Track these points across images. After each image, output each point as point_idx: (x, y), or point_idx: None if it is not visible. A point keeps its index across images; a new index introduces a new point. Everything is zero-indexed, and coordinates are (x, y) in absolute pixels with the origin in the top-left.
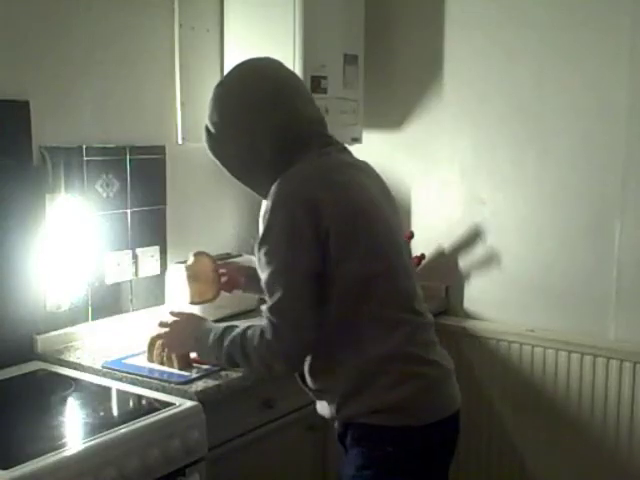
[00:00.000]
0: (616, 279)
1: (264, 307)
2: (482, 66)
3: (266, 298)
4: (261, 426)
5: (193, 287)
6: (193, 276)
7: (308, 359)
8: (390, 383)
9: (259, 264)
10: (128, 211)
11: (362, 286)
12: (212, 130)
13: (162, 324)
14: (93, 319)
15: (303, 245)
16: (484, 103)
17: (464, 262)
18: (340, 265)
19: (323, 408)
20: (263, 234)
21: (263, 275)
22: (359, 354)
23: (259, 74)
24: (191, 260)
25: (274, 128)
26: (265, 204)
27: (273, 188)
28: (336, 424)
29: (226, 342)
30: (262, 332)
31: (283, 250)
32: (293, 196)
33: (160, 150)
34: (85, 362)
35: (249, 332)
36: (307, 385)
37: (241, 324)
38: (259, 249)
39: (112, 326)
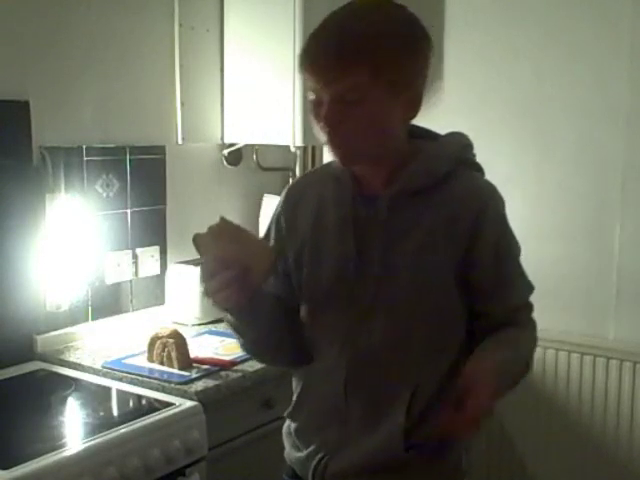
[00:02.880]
0: (616, 279)
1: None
2: (482, 65)
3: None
4: (261, 426)
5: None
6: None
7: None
8: None
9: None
10: (128, 211)
11: None
12: None
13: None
14: (93, 319)
15: None
16: (484, 102)
17: None
18: None
19: None
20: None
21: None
22: None
23: None
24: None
25: None
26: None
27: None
28: None
29: (514, 352)
30: (528, 320)
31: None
32: None
33: (160, 150)
34: (85, 362)
35: (514, 332)
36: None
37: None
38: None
39: (112, 326)
